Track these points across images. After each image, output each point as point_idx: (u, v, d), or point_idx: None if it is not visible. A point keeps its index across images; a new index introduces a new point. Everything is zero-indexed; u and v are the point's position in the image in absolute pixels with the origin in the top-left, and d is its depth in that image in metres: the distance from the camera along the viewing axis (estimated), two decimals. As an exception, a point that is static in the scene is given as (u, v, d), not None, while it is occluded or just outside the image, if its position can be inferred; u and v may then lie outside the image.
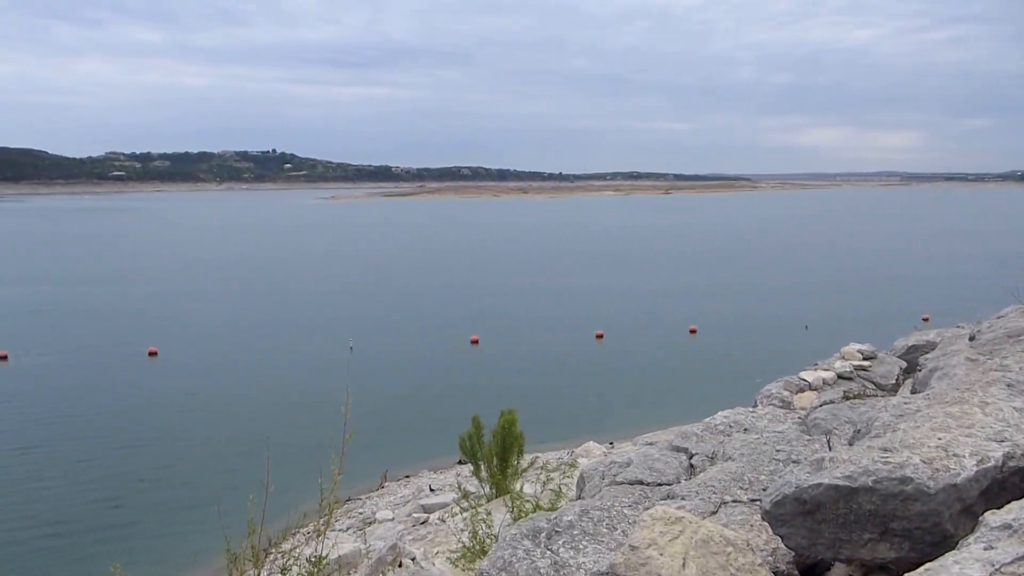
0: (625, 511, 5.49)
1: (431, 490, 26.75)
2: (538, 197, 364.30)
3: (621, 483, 6.31)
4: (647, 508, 4.74)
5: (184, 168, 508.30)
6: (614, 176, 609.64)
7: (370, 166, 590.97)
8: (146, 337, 51.20)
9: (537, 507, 6.41)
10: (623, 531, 5.15)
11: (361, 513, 24.93)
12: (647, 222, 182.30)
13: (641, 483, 6.29)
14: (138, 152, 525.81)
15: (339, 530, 20.30)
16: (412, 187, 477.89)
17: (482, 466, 12.49)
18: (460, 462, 30.23)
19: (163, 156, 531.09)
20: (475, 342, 51.27)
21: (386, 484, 29.04)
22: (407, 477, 29.76)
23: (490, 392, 38.55)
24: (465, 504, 11.01)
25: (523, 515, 6.23)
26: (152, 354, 47.54)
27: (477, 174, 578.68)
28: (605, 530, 5.13)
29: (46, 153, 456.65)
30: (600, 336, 52.87)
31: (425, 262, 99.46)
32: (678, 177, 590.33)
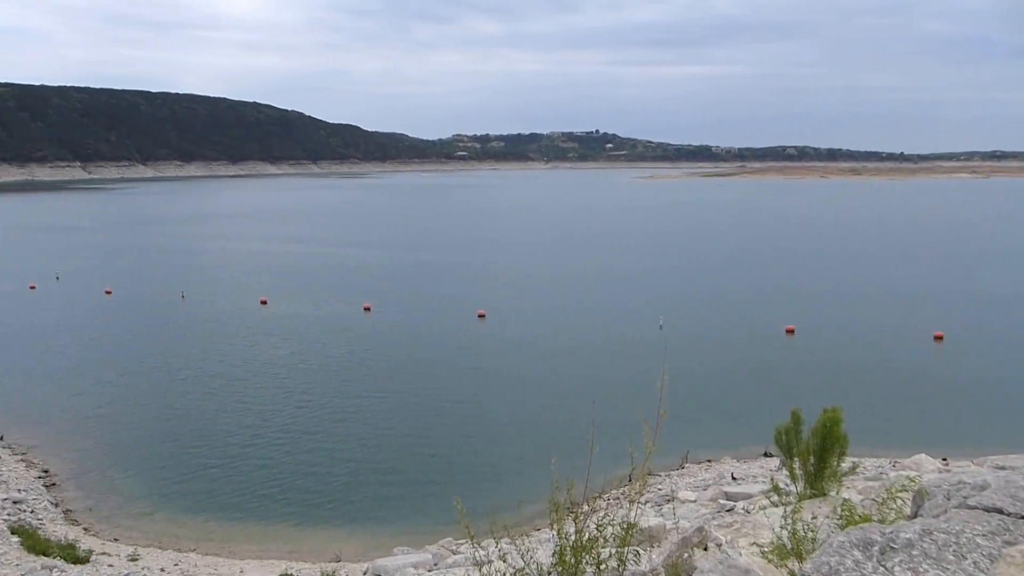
0: (978, 540, 4.73)
1: (733, 478, 25.96)
2: (874, 179, 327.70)
3: (973, 508, 5.44)
4: (1009, 542, 4.04)
5: (516, 148, 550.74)
6: (970, 156, 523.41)
7: (690, 146, 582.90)
8: (476, 301, 56.90)
9: (865, 517, 5.84)
10: (974, 562, 4.46)
11: (660, 489, 25.09)
12: (1013, 209, 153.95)
13: (1000, 512, 5.35)
14: (478, 134, 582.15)
15: (639, 502, 20.74)
16: (732, 167, 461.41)
17: (796, 463, 11.71)
18: (766, 454, 28.94)
19: (499, 138, 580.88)
20: (790, 332, 48.20)
21: (687, 465, 28.84)
22: (708, 461, 29.21)
23: (805, 385, 36.04)
24: (775, 499, 10.48)
25: (850, 523, 5.72)
26: (481, 316, 52.65)
27: (804, 154, 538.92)
28: (952, 557, 4.48)
29: (406, 136, 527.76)
30: (939, 338, 46.22)
31: (743, 247, 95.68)
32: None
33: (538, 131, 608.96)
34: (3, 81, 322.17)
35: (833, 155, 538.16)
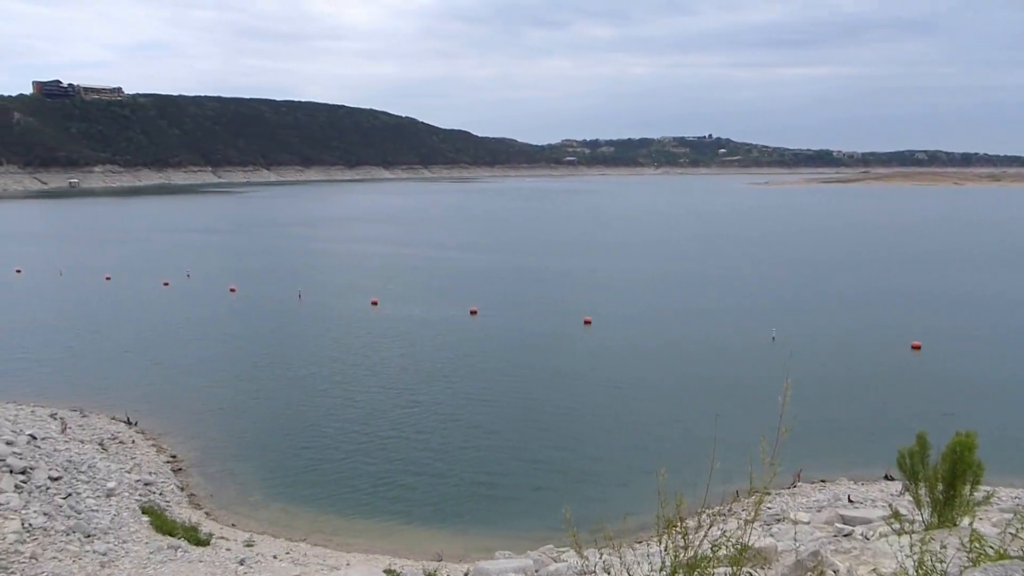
0: None
1: (850, 501, 24.61)
2: (1015, 186, 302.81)
3: None
4: None
5: (626, 153, 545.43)
6: None
7: (808, 150, 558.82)
8: (583, 307, 56.70)
9: (1001, 552, 5.37)
10: None
11: (771, 508, 24.12)
12: None
13: None
14: (588, 139, 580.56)
15: (745, 519, 19.98)
16: (854, 173, 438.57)
17: (922, 490, 10.94)
18: (887, 478, 27.27)
19: (608, 142, 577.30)
20: (916, 348, 45.23)
21: (799, 484, 27.59)
22: (823, 482, 27.84)
23: (932, 406, 33.78)
24: (897, 526, 9.81)
25: (984, 558, 5.28)
26: (587, 323, 52.38)
27: (935, 158, 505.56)
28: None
29: (516, 141, 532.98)
30: (1095, 361, 42.08)
31: (864, 255, 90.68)
32: None
33: (648, 136, 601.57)
34: (146, 92, 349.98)
35: (968, 160, 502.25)
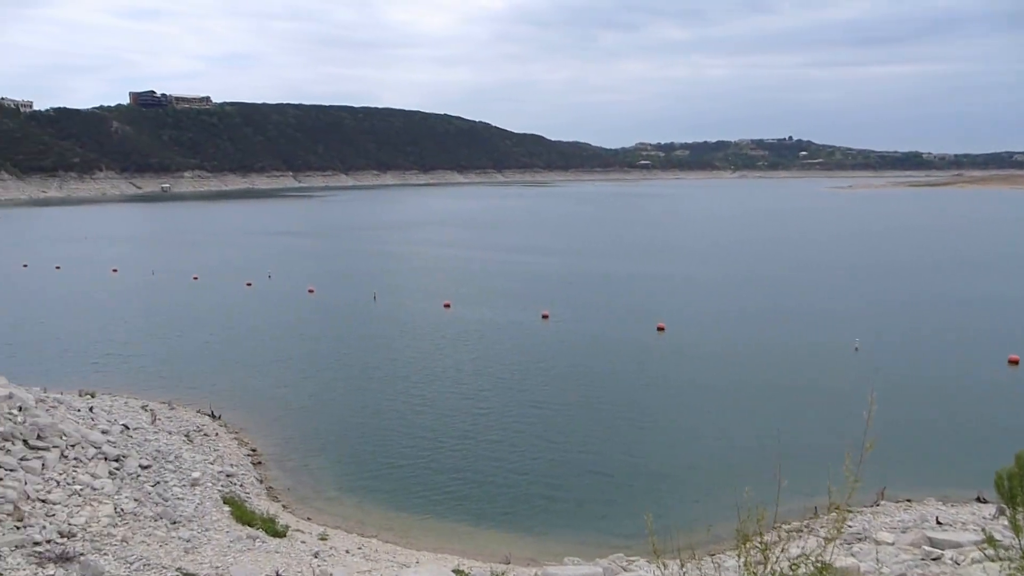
0: None
1: (938, 523, 23.41)
2: None
3: None
4: None
5: (701, 157, 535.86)
6: None
7: (895, 152, 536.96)
8: (656, 313, 55.95)
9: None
10: None
11: (852, 527, 23.18)
12: None
13: None
14: (662, 143, 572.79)
15: (823, 537, 19.31)
16: (946, 176, 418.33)
17: (1021, 514, 10.30)
18: (979, 500, 25.82)
19: (683, 146, 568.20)
20: (1014, 362, 42.71)
21: (882, 502, 26.41)
22: (908, 501, 26.57)
23: (1031, 426, 31.79)
24: (991, 552, 9.28)
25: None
26: (660, 329, 51.66)
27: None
28: None
29: (589, 145, 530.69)
30: None
31: (955, 260, 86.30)
32: None
33: (725, 139, 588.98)
34: (232, 101, 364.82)
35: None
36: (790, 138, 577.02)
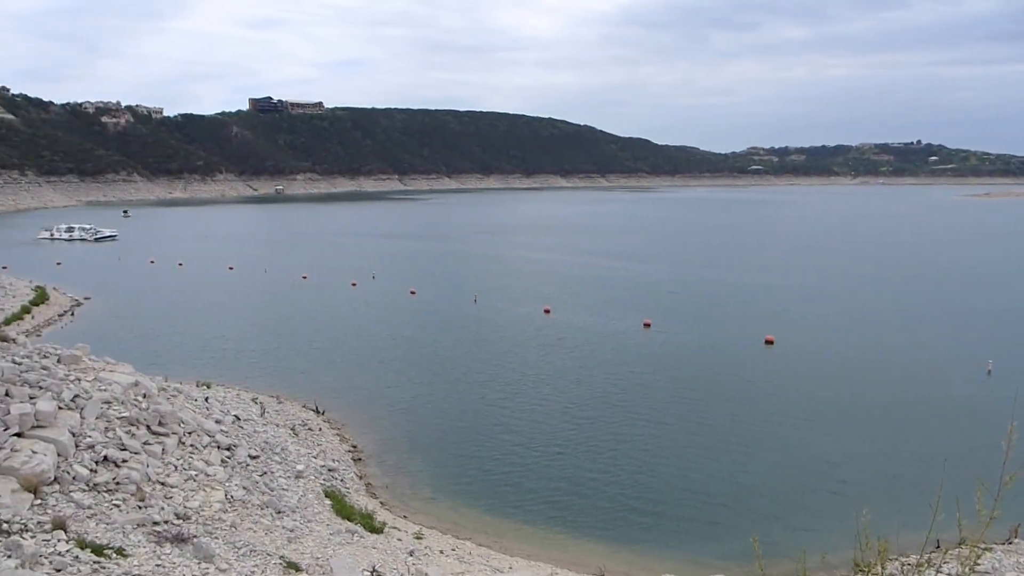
0: None
1: (1082, 566, 21.45)
2: None
3: None
4: None
5: (819, 162, 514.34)
6: None
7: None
8: (764, 324, 54.09)
9: None
10: None
11: (980, 564, 21.59)
12: None
13: None
14: (776, 147, 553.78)
15: (950, 574, 18.05)
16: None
17: None
18: None
19: (799, 150, 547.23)
20: None
21: (1015, 540, 24.46)
22: (1048, 540, 24.46)
23: None
24: None
25: None
26: (769, 342, 49.89)
27: None
28: None
29: (697, 149, 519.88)
30: None
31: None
32: None
33: (845, 142, 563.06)
34: (343, 106, 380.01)
35: None
36: (918, 142, 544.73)
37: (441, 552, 22.55)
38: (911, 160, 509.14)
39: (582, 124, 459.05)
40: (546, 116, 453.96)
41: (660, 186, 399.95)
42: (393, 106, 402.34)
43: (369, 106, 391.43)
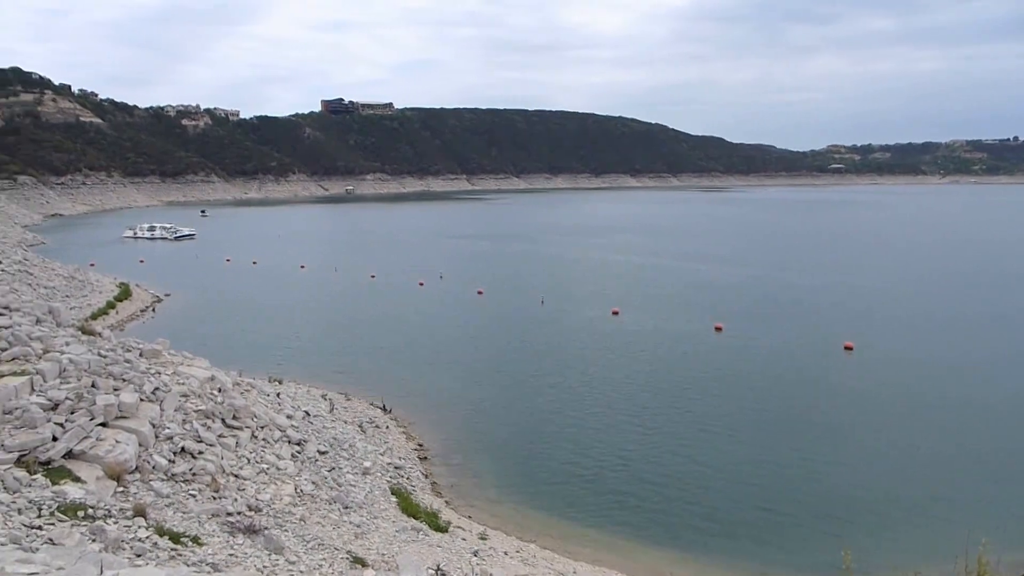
0: None
1: None
2: None
3: None
4: None
5: (904, 160, 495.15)
6: None
7: None
8: (843, 329, 52.35)
9: None
10: None
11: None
12: None
13: None
14: (858, 144, 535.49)
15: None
16: None
17: None
18: None
19: (883, 148, 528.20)
20: None
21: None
22: None
23: None
24: None
25: None
26: (848, 348, 48.27)
27: None
28: None
29: (774, 148, 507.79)
30: None
31: None
32: None
33: (934, 140, 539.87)
34: (412, 106, 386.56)
35: None
36: (1014, 138, 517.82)
37: (505, 553, 22.66)
38: (1007, 158, 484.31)
39: (653, 122, 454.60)
40: (616, 115, 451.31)
41: (734, 186, 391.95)
42: (462, 106, 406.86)
43: (438, 106, 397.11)
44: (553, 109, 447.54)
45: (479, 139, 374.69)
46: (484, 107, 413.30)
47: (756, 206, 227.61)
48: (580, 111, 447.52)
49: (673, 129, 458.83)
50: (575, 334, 54.04)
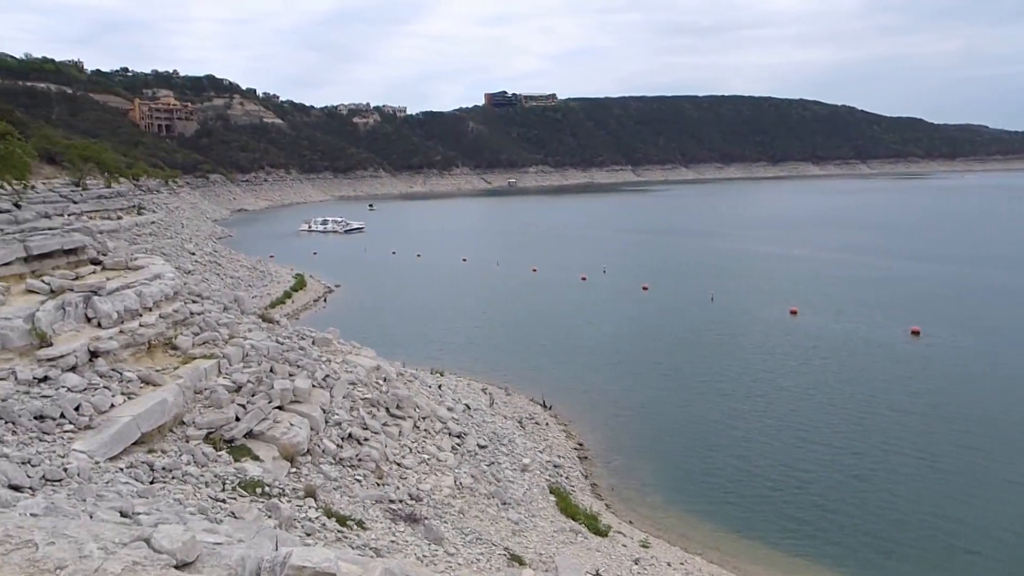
0: None
1: None
2: None
3: None
4: None
5: None
6: None
7: None
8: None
9: None
10: None
11: None
12: None
13: None
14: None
15: None
16: None
17: None
18: None
19: None
20: None
21: None
22: None
23: None
24: None
25: None
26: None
27: None
28: None
29: (985, 128, 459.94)
30: None
31: None
32: None
33: None
34: (575, 96, 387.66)
35: None
36: None
37: (668, 564, 22.18)
38: None
39: (839, 104, 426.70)
40: (796, 97, 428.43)
41: (936, 171, 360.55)
42: (627, 94, 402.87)
43: (602, 95, 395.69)
44: (726, 94, 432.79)
45: (645, 128, 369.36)
46: (651, 95, 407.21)
47: (964, 195, 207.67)
48: (755, 95, 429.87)
49: (862, 110, 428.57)
50: (748, 335, 51.92)
